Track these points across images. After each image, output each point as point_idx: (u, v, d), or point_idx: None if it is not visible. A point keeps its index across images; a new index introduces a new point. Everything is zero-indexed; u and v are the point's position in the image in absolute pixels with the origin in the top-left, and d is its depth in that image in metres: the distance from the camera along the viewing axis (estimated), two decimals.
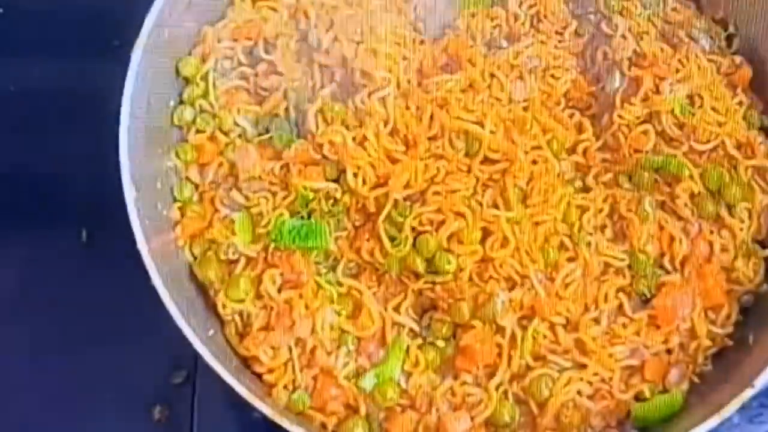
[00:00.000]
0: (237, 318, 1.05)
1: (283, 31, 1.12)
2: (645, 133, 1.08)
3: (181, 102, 1.14)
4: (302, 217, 1.06)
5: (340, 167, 1.06)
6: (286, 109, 1.11)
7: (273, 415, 0.94)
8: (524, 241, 1.03)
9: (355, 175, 1.05)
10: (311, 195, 1.06)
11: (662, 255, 1.06)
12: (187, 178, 1.12)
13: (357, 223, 1.07)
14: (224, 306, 1.05)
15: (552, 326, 1.03)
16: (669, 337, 1.02)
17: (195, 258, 1.08)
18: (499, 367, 1.01)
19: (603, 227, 1.07)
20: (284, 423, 0.94)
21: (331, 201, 1.06)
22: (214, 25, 1.14)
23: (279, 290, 1.03)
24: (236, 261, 1.07)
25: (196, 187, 1.12)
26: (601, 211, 1.07)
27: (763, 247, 1.07)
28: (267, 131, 1.11)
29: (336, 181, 1.07)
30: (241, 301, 1.05)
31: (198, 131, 1.12)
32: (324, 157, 1.07)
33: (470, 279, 1.02)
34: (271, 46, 1.13)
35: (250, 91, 1.13)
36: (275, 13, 1.14)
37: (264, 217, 1.07)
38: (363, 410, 1.02)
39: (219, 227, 1.07)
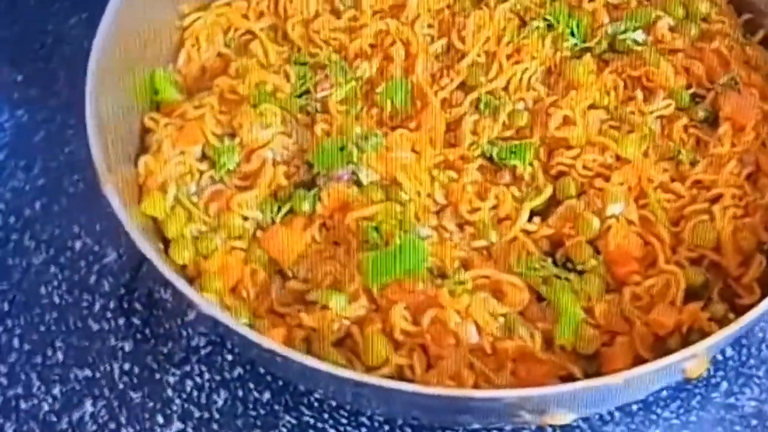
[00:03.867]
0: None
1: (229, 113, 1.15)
2: (596, 11, 1.24)
3: (168, 241, 1.10)
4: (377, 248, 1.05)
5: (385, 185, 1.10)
6: (288, 175, 1.12)
7: None
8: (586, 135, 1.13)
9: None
10: (374, 224, 1.06)
11: (690, 87, 1.19)
12: (231, 308, 1.06)
13: (434, 224, 1.09)
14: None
15: (664, 187, 1.10)
16: (757, 129, 1.13)
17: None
18: (656, 249, 1.06)
19: (630, 99, 1.18)
20: None
21: (395, 222, 1.07)
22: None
23: (415, 323, 1.01)
24: (348, 334, 1.02)
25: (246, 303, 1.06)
26: (616, 87, 1.18)
27: None
28: (279, 209, 1.11)
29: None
30: (385, 361, 0.99)
31: (206, 257, 1.09)
32: (360, 187, 1.10)
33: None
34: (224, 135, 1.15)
35: (232, 186, 1.13)
36: (204, 107, 1.16)
37: (344, 279, 1.05)
38: (577, 371, 1.00)
39: (308, 318, 1.02)
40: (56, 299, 1.21)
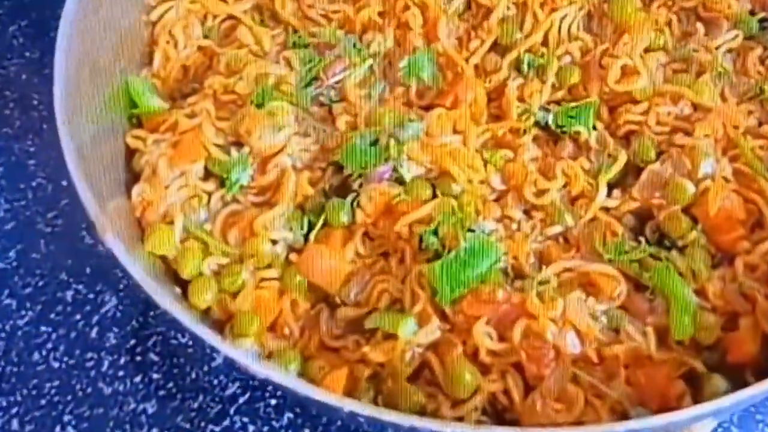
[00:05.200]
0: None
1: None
2: None
3: (185, 284, 0.92)
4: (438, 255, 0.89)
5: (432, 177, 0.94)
6: (314, 181, 0.94)
7: None
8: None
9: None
10: (431, 228, 0.89)
11: (754, 12, 1.04)
12: (275, 353, 0.89)
13: (497, 215, 0.92)
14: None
15: (754, 133, 0.95)
16: None
17: (377, 396, 0.85)
18: (760, 207, 0.90)
19: (688, 35, 1.03)
20: None
21: (455, 220, 0.90)
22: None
23: (501, 339, 0.85)
24: (425, 362, 0.86)
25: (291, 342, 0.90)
26: (669, 22, 1.03)
27: None
28: (311, 226, 0.93)
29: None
30: (476, 391, 0.83)
31: (234, 294, 0.91)
32: (404, 185, 0.92)
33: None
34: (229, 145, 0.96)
35: (249, 204, 0.95)
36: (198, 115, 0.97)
37: (404, 297, 0.88)
38: (701, 366, 0.85)
39: (374, 352, 0.86)
40: (54, 364, 1.02)
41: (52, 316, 1.05)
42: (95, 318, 1.04)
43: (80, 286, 1.06)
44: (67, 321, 1.04)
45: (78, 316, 1.05)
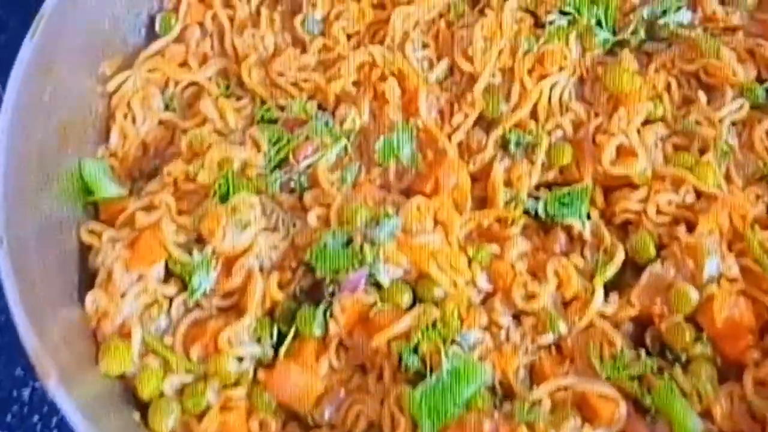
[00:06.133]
0: None
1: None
2: None
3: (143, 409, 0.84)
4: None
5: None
6: (283, 283, 0.86)
7: None
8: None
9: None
10: (411, 345, 0.81)
11: (762, 80, 0.94)
12: None
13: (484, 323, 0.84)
14: None
15: (763, 223, 0.86)
16: None
17: None
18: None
19: (688, 102, 0.94)
20: None
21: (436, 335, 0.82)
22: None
23: None
24: None
25: None
26: (668, 86, 0.94)
27: None
28: (280, 335, 0.85)
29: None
30: None
31: (199, 416, 0.83)
32: (381, 290, 0.84)
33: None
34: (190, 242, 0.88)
35: (213, 309, 0.86)
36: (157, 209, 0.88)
37: (383, 420, 0.81)
38: None
39: None
40: None
41: (8, 418, 0.97)
42: (54, 419, 0.97)
43: (37, 384, 0.98)
44: (24, 423, 0.97)
45: (36, 417, 0.97)
